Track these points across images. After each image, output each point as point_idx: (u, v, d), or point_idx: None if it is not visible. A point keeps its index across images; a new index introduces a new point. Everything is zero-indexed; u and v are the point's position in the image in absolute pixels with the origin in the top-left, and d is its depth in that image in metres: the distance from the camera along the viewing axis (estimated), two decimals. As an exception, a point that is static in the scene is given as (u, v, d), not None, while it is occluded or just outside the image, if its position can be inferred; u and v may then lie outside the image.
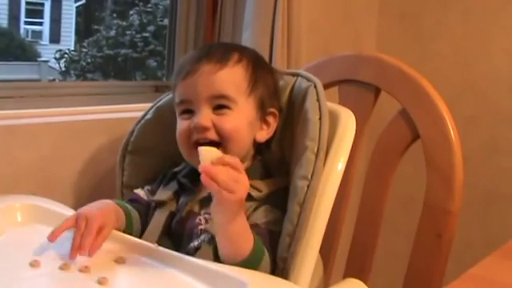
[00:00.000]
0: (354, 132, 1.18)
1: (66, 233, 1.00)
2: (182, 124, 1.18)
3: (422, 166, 1.30)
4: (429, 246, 1.28)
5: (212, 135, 1.14)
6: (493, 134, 2.21)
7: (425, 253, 1.29)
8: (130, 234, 1.11)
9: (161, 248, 1.02)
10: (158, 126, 1.34)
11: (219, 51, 1.20)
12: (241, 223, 1.01)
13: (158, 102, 1.38)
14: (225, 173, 0.95)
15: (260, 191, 1.15)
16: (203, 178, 0.93)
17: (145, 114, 1.37)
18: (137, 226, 1.19)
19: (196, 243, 1.11)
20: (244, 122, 1.17)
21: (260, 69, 1.22)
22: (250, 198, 1.11)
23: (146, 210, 1.23)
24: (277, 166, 1.24)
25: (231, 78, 1.17)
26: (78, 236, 1.00)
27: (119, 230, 1.10)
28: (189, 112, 1.17)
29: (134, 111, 1.57)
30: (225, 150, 1.11)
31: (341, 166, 1.14)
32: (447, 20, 2.28)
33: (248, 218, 1.08)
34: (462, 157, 1.26)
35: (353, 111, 1.23)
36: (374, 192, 1.38)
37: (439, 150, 1.27)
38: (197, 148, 1.05)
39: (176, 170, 1.26)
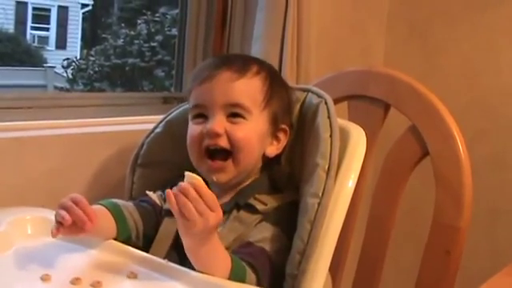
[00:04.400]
0: (364, 149, 1.18)
1: (76, 245, 1.01)
2: (194, 128, 1.19)
3: (431, 181, 1.31)
4: (437, 262, 1.29)
5: (223, 142, 1.14)
6: (501, 148, 2.21)
7: (433, 269, 1.29)
8: (128, 237, 1.14)
9: (170, 264, 1.02)
10: (168, 139, 1.35)
11: (239, 61, 1.21)
12: (210, 247, 0.97)
13: (168, 115, 1.38)
14: (194, 202, 0.92)
15: (265, 204, 1.15)
16: (170, 195, 0.92)
17: (155, 128, 1.37)
18: (134, 224, 1.18)
19: None
20: (256, 133, 1.17)
21: (276, 84, 1.23)
22: (254, 211, 1.13)
23: (157, 213, 1.22)
24: (285, 181, 1.25)
25: (248, 88, 1.17)
26: (74, 213, 0.98)
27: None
28: (202, 117, 1.18)
29: (142, 123, 1.59)
30: (234, 160, 1.14)
31: (351, 183, 1.14)
32: (455, 34, 2.28)
33: (249, 233, 1.10)
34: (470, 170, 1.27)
35: (362, 127, 1.24)
36: (382, 208, 1.39)
37: (448, 167, 1.27)
38: (207, 155, 1.10)
39: None
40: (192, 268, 1.00)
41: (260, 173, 1.23)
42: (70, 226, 0.98)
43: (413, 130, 1.35)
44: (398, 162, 1.37)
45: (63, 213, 0.98)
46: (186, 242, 0.98)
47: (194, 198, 0.92)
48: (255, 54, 1.70)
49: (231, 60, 1.22)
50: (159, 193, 1.26)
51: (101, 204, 1.15)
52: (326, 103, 1.21)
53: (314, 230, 1.09)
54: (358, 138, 1.20)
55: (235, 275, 1.00)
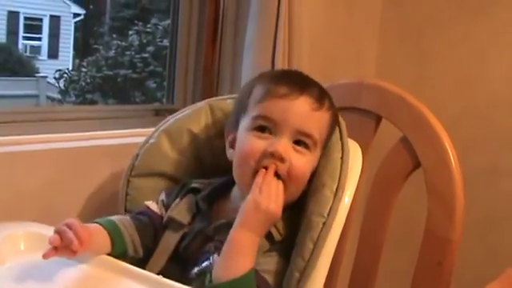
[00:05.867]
0: (361, 165, 1.20)
1: (69, 261, 1.02)
2: (254, 141, 1.14)
3: (424, 191, 1.32)
4: (430, 273, 1.30)
5: (283, 169, 1.11)
6: (493, 157, 2.22)
7: (426, 280, 1.31)
8: (124, 252, 1.14)
9: (164, 280, 1.02)
10: (163, 150, 1.34)
11: (316, 89, 1.17)
12: (251, 240, 1.05)
13: (162, 125, 1.37)
14: (274, 188, 1.09)
15: (280, 234, 1.14)
16: (262, 171, 1.09)
17: (149, 138, 1.37)
18: (131, 241, 1.18)
19: (198, 269, 1.12)
20: (311, 168, 1.17)
21: (336, 123, 1.22)
22: (270, 238, 1.12)
23: (158, 225, 1.22)
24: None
25: (321, 122, 1.16)
26: (65, 235, 1.01)
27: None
28: (263, 130, 1.14)
29: (134, 136, 1.60)
30: (284, 189, 1.12)
31: (347, 199, 1.15)
32: (447, 41, 2.29)
33: (257, 258, 1.08)
34: (462, 179, 1.28)
35: (354, 139, 1.25)
36: (375, 220, 1.40)
37: (440, 178, 1.28)
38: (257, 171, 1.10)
39: (196, 185, 1.24)
40: (188, 284, 1.02)
41: None
42: (62, 249, 1.01)
43: (404, 141, 1.36)
44: (389, 174, 1.38)
45: (55, 236, 1.01)
46: (240, 220, 1.07)
47: (275, 186, 1.09)
48: (246, 65, 1.71)
49: (309, 84, 1.17)
50: (161, 199, 1.26)
51: (96, 222, 1.15)
52: (338, 124, 1.22)
53: (316, 250, 1.10)
54: (354, 154, 1.21)
55: (245, 280, 1.03)
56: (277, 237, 1.13)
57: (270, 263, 1.11)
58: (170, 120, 1.38)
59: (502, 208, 2.20)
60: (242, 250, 1.05)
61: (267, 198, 1.07)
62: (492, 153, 2.22)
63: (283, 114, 1.12)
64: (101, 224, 1.15)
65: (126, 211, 1.33)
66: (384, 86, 1.43)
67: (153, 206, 1.26)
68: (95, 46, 3.74)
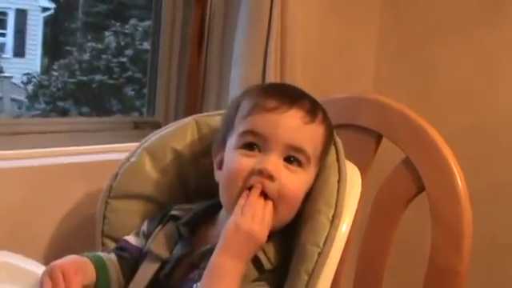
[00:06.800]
0: (359, 191, 1.19)
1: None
2: (240, 159, 1.13)
3: (426, 215, 1.30)
4: (434, 308, 1.29)
5: (272, 189, 1.10)
6: (500, 175, 2.21)
7: (430, 316, 1.29)
8: None
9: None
10: (144, 170, 1.33)
11: (308, 101, 1.16)
12: (235, 268, 1.05)
13: (144, 143, 1.36)
14: (259, 210, 1.08)
15: (271, 262, 1.12)
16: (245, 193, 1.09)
17: (129, 156, 1.35)
18: (116, 278, 1.19)
19: None
20: (305, 187, 1.15)
21: (332, 137, 1.21)
22: (259, 266, 1.11)
23: (135, 259, 1.22)
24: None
25: (314, 136, 1.15)
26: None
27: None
28: (251, 148, 1.13)
29: (111, 152, 1.58)
30: (274, 210, 1.11)
31: (345, 228, 1.14)
32: (451, 53, 2.29)
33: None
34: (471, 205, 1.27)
35: (352, 160, 1.24)
36: (373, 248, 1.39)
37: (446, 205, 1.27)
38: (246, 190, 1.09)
39: (175, 213, 1.23)
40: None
41: None
42: None
43: (407, 162, 1.35)
44: (390, 199, 1.37)
45: (48, 283, 1.04)
46: (220, 245, 1.07)
47: (260, 206, 1.08)
48: (235, 76, 1.70)
49: (300, 96, 1.17)
50: (142, 229, 1.26)
51: (85, 256, 1.16)
52: (334, 144, 1.21)
53: (310, 282, 1.08)
54: (353, 179, 1.20)
55: None
56: (266, 265, 1.11)
57: None
58: (153, 137, 1.36)
59: (508, 232, 2.19)
60: (223, 277, 1.05)
61: (249, 219, 1.07)
62: (499, 172, 2.22)
63: (272, 129, 1.11)
64: (90, 259, 1.16)
65: (104, 235, 1.32)
66: (384, 101, 1.42)
67: (132, 239, 1.26)
68: (68, 48, 3.70)
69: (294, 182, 1.12)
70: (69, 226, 1.46)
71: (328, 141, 1.19)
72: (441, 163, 1.29)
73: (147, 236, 1.23)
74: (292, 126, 1.12)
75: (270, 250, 1.12)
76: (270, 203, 1.10)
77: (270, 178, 1.09)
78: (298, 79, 1.75)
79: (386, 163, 1.37)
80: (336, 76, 2.23)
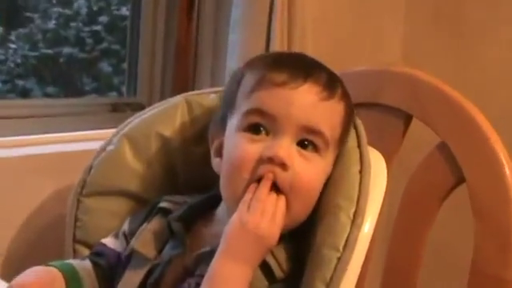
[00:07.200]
0: (385, 184, 1.19)
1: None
2: (245, 146, 1.12)
3: (467, 213, 1.30)
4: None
5: (286, 180, 1.10)
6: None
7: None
8: None
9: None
10: (124, 160, 1.34)
11: (324, 74, 1.16)
12: (241, 274, 1.05)
13: (124, 127, 1.37)
14: (268, 204, 1.08)
15: (282, 270, 1.12)
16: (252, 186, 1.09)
17: (106, 145, 1.36)
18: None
19: None
20: (323, 177, 1.15)
21: (352, 117, 1.21)
22: (269, 273, 1.11)
23: (115, 266, 1.22)
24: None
25: (333, 115, 1.15)
26: None
27: None
28: (258, 130, 1.13)
29: (85, 141, 1.59)
30: (287, 205, 1.11)
31: (368, 227, 1.14)
32: (495, 20, 2.29)
33: None
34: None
35: (375, 146, 1.25)
36: (403, 253, 1.39)
37: (491, 199, 1.27)
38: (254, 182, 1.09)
39: (165, 205, 1.23)
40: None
41: None
42: None
43: (442, 148, 1.35)
44: (423, 193, 1.37)
45: None
46: (222, 248, 1.07)
47: (271, 202, 1.08)
48: (233, 45, 1.71)
49: (316, 68, 1.17)
50: (122, 230, 1.26)
51: (52, 266, 1.17)
52: (355, 128, 1.22)
53: None
54: (377, 169, 1.20)
55: None
56: (278, 273, 1.11)
57: None
58: (135, 121, 1.37)
59: None
60: (227, 286, 1.05)
61: (258, 216, 1.06)
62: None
63: (283, 107, 1.11)
64: (59, 269, 1.16)
65: (76, 241, 1.33)
66: (415, 74, 1.42)
67: (110, 242, 1.26)
68: (28, 15, 3.70)
69: (310, 171, 1.12)
70: (32, 232, 1.47)
71: (348, 121, 1.19)
72: (485, 149, 1.29)
73: (129, 236, 1.23)
74: (307, 103, 1.12)
75: (281, 254, 1.12)
76: (282, 197, 1.10)
77: (283, 166, 1.09)
78: (309, 47, 1.75)
79: (418, 149, 1.38)
80: (356, 45, 2.24)
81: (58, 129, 1.67)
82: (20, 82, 3.30)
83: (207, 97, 1.36)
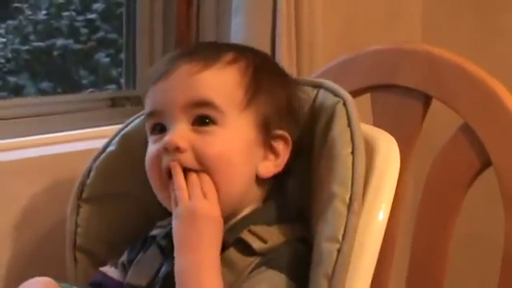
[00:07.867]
0: (398, 167, 1.19)
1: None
2: (150, 149, 1.19)
3: (496, 198, 1.31)
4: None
5: (188, 160, 1.14)
6: None
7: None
8: None
9: None
10: (126, 161, 1.36)
11: (208, 49, 1.22)
12: (204, 259, 1.08)
13: (125, 127, 1.39)
14: (190, 185, 1.12)
15: (264, 241, 1.14)
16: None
17: (106, 146, 1.38)
18: None
19: None
20: (236, 145, 1.17)
21: (266, 74, 1.22)
22: (249, 250, 1.14)
23: None
24: (295, 214, 1.25)
25: (219, 81, 1.17)
26: None
27: None
28: (161, 129, 1.18)
29: (82, 140, 1.59)
30: None
31: (382, 215, 1.15)
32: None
33: (241, 285, 1.10)
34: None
35: (392, 131, 1.26)
36: (428, 243, 1.40)
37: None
38: (170, 180, 1.11)
39: (154, 233, 1.26)
40: None
41: (262, 202, 1.23)
42: None
43: (466, 130, 1.35)
44: (446, 179, 1.37)
45: None
46: (176, 247, 1.11)
47: (192, 182, 1.11)
48: (236, 30, 1.71)
49: (199, 49, 1.23)
50: (121, 260, 1.28)
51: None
52: (344, 105, 1.22)
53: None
54: (387, 152, 1.21)
55: None
56: (259, 246, 1.14)
57: (260, 284, 1.10)
58: (135, 121, 1.39)
59: None
60: (193, 278, 1.08)
61: (187, 201, 1.11)
62: None
63: (163, 97, 1.18)
64: None
65: (77, 249, 1.35)
66: (435, 52, 1.42)
67: (110, 271, 1.28)
68: (17, 5, 3.71)
69: (210, 142, 1.14)
70: (29, 239, 1.48)
71: (253, 77, 1.20)
72: (512, 130, 1.30)
73: (128, 267, 1.26)
74: (181, 82, 1.17)
75: (261, 230, 1.16)
76: (202, 174, 1.14)
77: (178, 149, 1.13)
78: (319, 26, 1.75)
79: (439, 133, 1.39)
80: (370, 21, 2.23)
81: (53, 128, 1.68)
82: (12, 79, 3.31)
83: None
